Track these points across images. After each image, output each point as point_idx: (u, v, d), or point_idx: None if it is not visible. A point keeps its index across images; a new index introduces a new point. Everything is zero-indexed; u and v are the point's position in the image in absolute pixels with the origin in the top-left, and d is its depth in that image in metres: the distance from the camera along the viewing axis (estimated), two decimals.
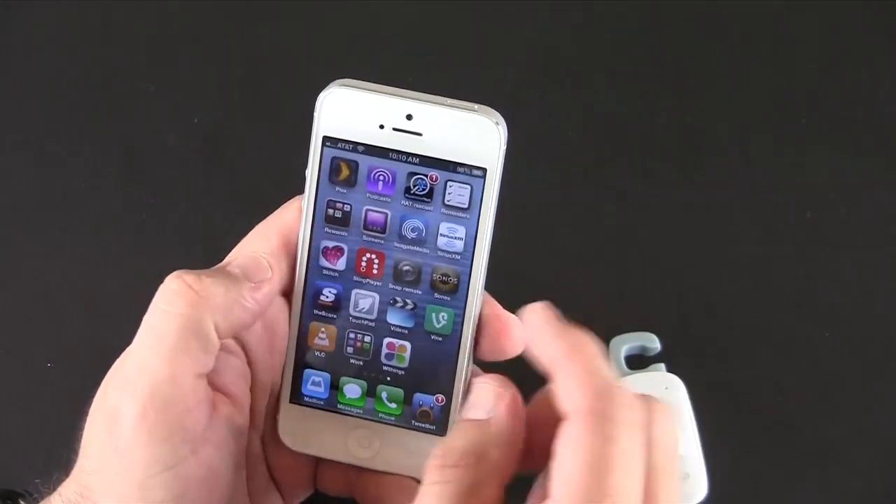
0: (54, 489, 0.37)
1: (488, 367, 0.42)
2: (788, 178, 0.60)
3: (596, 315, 0.56)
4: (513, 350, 0.40)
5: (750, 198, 0.59)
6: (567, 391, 0.32)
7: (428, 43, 0.65)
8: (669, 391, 0.51)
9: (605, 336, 0.53)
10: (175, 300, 0.35)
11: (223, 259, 0.40)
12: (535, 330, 0.35)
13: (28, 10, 0.66)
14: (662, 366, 0.52)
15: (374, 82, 0.40)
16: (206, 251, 0.58)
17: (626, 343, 0.53)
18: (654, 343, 0.53)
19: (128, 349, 0.37)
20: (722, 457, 0.50)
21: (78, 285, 0.57)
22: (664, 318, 0.55)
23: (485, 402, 0.35)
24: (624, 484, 0.30)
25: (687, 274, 0.57)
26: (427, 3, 0.66)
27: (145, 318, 0.36)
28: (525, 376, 0.42)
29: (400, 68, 0.63)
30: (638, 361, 0.53)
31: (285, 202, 0.42)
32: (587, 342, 0.34)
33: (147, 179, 0.60)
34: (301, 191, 0.41)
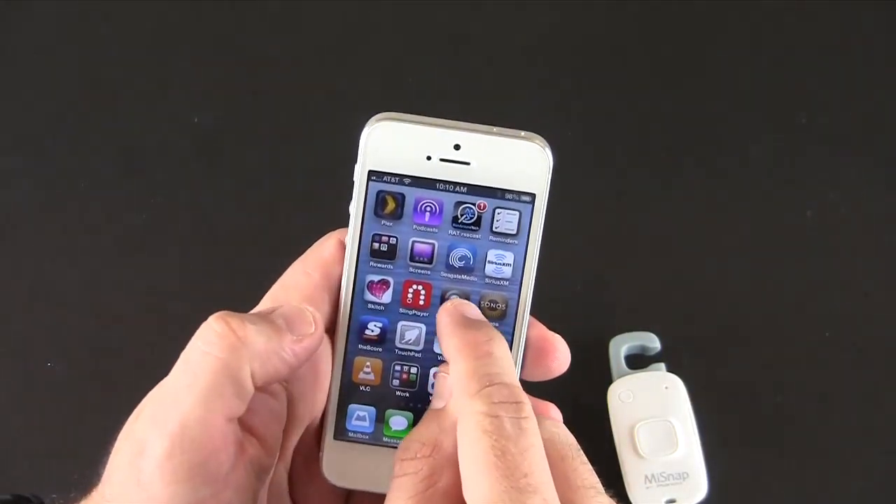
0: None
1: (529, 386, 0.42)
2: (788, 178, 0.60)
3: (596, 315, 0.56)
4: (558, 369, 0.40)
5: (750, 198, 0.59)
6: (455, 387, 0.33)
7: (427, 43, 0.65)
8: (669, 391, 0.51)
9: (605, 336, 0.53)
10: (216, 342, 0.35)
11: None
12: (440, 326, 0.36)
13: (28, 10, 0.66)
14: (662, 366, 0.52)
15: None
16: (206, 251, 0.58)
17: (626, 343, 0.53)
18: (654, 343, 0.53)
19: (163, 381, 0.36)
20: (722, 457, 0.50)
21: (78, 285, 0.57)
22: (664, 318, 0.55)
23: (443, 391, 0.36)
24: (533, 473, 0.30)
25: (687, 274, 0.57)
26: (427, 4, 0.66)
27: (184, 354, 0.36)
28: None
29: (398, 68, 0.63)
30: (638, 361, 0.53)
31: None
32: (483, 339, 0.35)
33: (147, 179, 0.60)
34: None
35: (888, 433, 0.53)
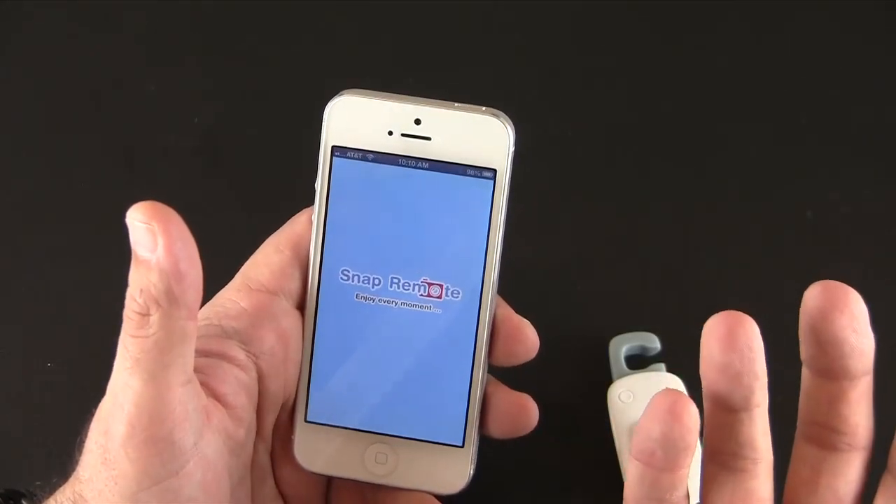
0: (52, 493, 0.37)
1: (502, 374, 0.41)
2: (788, 178, 0.60)
3: (596, 315, 0.56)
4: (525, 354, 0.40)
5: (750, 198, 0.59)
6: None
7: (428, 43, 0.65)
8: None
9: (605, 336, 0.53)
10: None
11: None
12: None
13: (28, 9, 0.66)
14: (662, 366, 0.52)
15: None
16: (206, 251, 0.58)
17: (626, 343, 0.53)
18: (654, 343, 0.53)
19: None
20: None
21: (78, 285, 0.57)
22: (664, 318, 0.55)
23: None
24: None
25: (687, 274, 0.57)
26: (427, 3, 0.66)
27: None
28: (536, 382, 0.42)
29: (399, 67, 0.63)
30: (638, 361, 0.53)
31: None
32: None
33: (147, 179, 0.60)
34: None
35: (888, 433, 0.53)
